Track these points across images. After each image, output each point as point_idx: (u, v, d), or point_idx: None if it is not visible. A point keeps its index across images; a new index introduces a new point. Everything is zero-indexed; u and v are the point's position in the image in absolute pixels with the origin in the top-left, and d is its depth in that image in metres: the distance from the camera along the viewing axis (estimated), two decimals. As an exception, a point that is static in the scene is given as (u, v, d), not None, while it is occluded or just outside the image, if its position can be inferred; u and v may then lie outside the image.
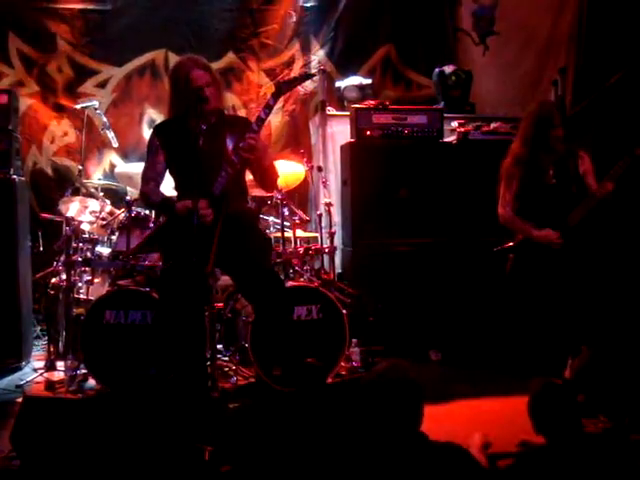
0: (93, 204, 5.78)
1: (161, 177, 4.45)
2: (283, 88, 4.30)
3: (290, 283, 5.19)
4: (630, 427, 3.92)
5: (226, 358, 5.41)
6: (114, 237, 5.61)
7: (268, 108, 4.21)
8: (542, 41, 7.68)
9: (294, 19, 7.69)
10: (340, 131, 6.82)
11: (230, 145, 4.26)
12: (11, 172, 5.73)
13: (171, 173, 4.43)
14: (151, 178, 4.39)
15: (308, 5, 7.69)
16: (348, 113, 6.58)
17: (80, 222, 5.67)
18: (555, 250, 5.08)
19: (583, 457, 2.63)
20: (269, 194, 5.50)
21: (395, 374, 2.62)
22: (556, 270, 5.09)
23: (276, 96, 4.25)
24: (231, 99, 7.25)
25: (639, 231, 6.14)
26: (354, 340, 5.47)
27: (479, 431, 3.66)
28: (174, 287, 4.18)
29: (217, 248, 4.04)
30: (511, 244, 5.29)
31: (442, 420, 4.17)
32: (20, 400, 4.09)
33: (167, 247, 4.39)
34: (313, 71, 4.51)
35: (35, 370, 5.48)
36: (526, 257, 5.20)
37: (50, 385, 5.10)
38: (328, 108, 7.12)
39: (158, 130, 4.46)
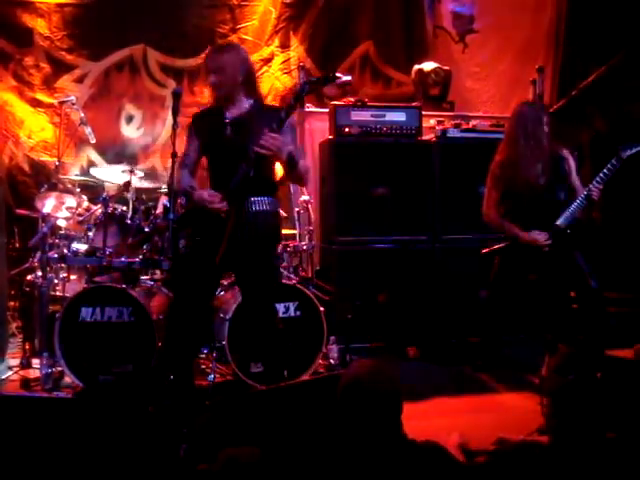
0: (70, 200, 5.74)
1: (195, 165, 4.39)
2: (306, 89, 4.23)
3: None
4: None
5: (203, 355, 5.39)
6: (91, 233, 5.56)
7: (290, 108, 4.09)
8: (521, 40, 7.70)
9: (274, 15, 7.67)
10: (319, 128, 6.81)
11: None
12: (-14, 168, 5.69)
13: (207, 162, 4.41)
14: (185, 165, 4.34)
15: (288, 1, 7.68)
16: (327, 110, 6.57)
17: (56, 218, 5.63)
18: (541, 252, 5.09)
19: (563, 454, 2.62)
20: None
21: (375, 373, 2.61)
22: (539, 271, 5.12)
23: (299, 97, 4.14)
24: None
25: (627, 233, 6.23)
26: (332, 337, 5.46)
27: (457, 430, 3.65)
28: (184, 277, 4.18)
29: (227, 242, 4.03)
30: (497, 247, 5.31)
31: (419, 417, 4.15)
32: (-6, 398, 4.04)
33: (187, 235, 4.38)
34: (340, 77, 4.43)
35: (10, 368, 5.42)
36: (512, 258, 5.22)
37: (25, 383, 5.06)
38: (307, 105, 7.11)
39: (194, 118, 4.40)
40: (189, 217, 4.38)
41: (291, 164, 4.14)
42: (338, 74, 4.40)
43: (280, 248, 5.60)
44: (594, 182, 5.03)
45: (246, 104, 4.23)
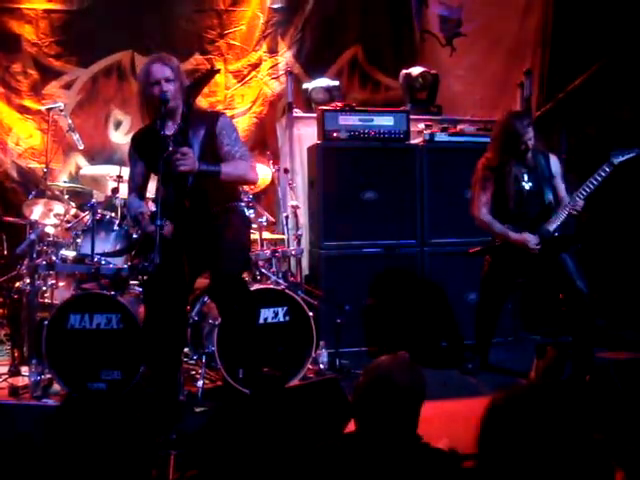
0: (58, 207, 5.73)
1: (142, 187, 4.42)
2: (191, 93, 4.23)
3: (256, 285, 5.17)
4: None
5: (192, 361, 5.37)
6: (79, 240, 5.55)
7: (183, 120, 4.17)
8: (508, 43, 7.71)
9: (262, 20, 7.67)
10: (307, 133, 6.80)
11: (196, 147, 4.17)
12: (-26, 175, 5.68)
13: None
14: (132, 189, 4.39)
15: (276, 6, 7.69)
16: (315, 115, 6.58)
17: (44, 225, 5.62)
18: (529, 255, 5.10)
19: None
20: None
21: (403, 371, 2.59)
22: (528, 274, 5.14)
23: (187, 103, 4.19)
24: (198, 101, 7.20)
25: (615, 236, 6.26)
26: (321, 342, 5.46)
27: (445, 434, 3.65)
28: (154, 296, 4.19)
29: (189, 253, 4.08)
30: (478, 248, 5.33)
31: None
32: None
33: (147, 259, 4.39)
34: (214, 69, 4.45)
35: (-1, 375, 5.41)
36: (501, 261, 5.23)
37: (14, 390, 5.02)
38: (295, 110, 7.11)
39: (134, 141, 4.39)
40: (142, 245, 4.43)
41: (209, 176, 4.12)
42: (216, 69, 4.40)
43: (268, 253, 5.62)
44: (582, 190, 5.04)
45: (179, 115, 4.20)
